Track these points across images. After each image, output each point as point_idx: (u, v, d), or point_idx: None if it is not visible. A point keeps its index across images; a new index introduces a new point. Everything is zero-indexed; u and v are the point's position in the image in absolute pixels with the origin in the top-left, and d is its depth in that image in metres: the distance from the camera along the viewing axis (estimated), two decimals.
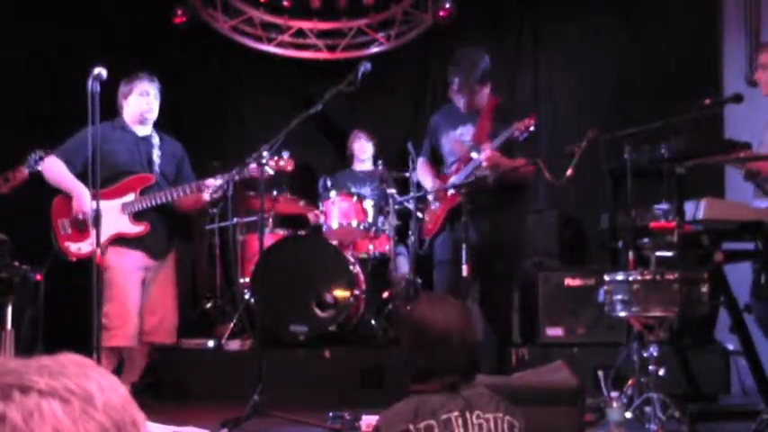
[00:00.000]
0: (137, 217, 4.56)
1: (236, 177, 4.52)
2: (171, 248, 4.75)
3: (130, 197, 4.56)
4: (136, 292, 4.54)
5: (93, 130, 3.82)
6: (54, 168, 4.58)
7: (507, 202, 4.41)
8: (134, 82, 4.69)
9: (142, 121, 4.69)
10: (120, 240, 4.52)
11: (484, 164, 4.25)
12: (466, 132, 4.51)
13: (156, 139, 4.73)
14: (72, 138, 4.58)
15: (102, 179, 4.47)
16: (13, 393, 0.70)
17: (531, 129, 4.21)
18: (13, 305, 4.49)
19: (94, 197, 4.08)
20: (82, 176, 4.47)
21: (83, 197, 4.47)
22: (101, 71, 3.80)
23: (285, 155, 4.47)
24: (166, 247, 4.71)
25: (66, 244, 4.56)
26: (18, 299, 4.57)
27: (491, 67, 4.58)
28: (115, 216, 4.49)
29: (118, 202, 4.53)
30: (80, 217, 4.51)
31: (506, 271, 4.52)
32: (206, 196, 4.57)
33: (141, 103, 4.67)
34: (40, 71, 6.09)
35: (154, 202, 4.54)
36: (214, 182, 4.52)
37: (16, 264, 4.64)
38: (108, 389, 0.74)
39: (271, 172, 4.41)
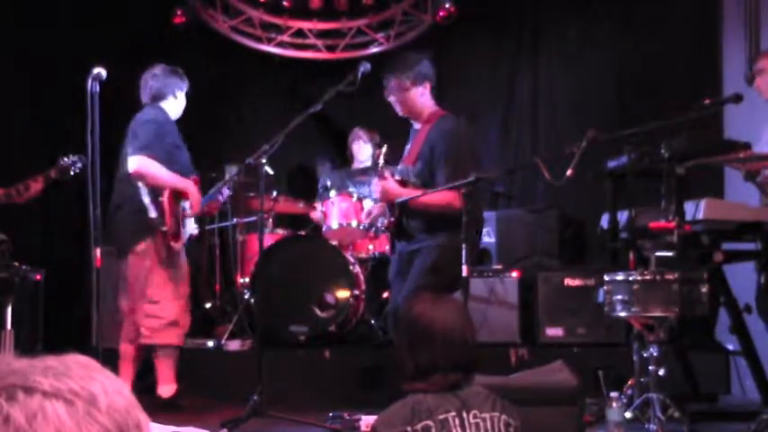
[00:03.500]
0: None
1: (227, 187, 4.61)
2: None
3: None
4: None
5: (93, 129, 3.82)
6: (152, 168, 4.46)
7: (429, 227, 4.13)
8: (183, 81, 4.76)
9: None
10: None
11: (379, 199, 4.24)
12: (408, 149, 4.35)
13: None
14: (145, 132, 4.50)
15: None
16: (17, 394, 0.70)
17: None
18: (13, 305, 4.49)
19: (171, 195, 4.35)
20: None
21: (197, 193, 4.58)
22: (100, 71, 3.80)
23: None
24: None
25: (172, 243, 4.56)
26: (18, 299, 4.57)
27: (484, 70, 4.51)
28: (189, 219, 4.64)
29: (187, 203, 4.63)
30: (194, 214, 4.61)
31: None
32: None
33: (182, 103, 4.76)
34: (40, 71, 6.08)
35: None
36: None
37: (16, 264, 4.64)
38: (112, 391, 0.74)
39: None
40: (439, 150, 4.10)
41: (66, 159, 4.92)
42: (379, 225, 5.59)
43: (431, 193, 4.00)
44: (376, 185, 4.23)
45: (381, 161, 4.27)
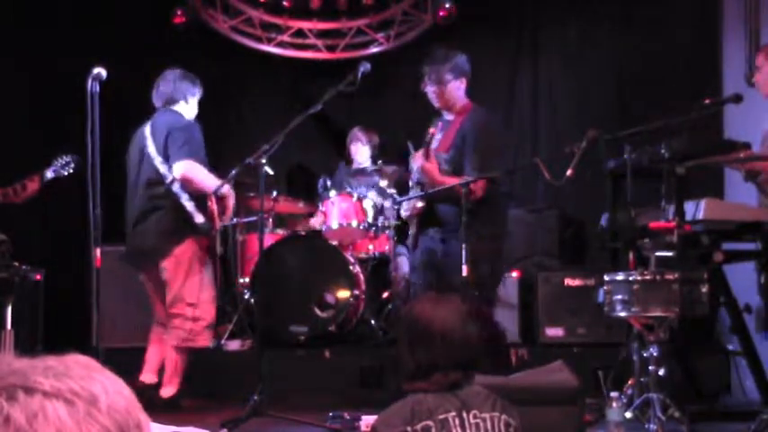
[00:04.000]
0: None
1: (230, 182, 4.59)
2: None
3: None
4: None
5: (93, 129, 3.82)
6: (200, 173, 4.50)
7: (460, 214, 4.16)
8: (196, 86, 4.80)
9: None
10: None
11: (417, 174, 4.34)
12: (435, 138, 4.45)
13: None
14: (184, 139, 4.54)
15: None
16: (18, 394, 0.70)
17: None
18: (13, 305, 4.49)
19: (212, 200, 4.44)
20: None
21: (233, 200, 4.68)
22: (100, 71, 3.80)
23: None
24: None
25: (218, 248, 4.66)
26: (18, 299, 4.57)
27: (485, 70, 4.56)
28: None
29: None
30: (227, 219, 4.72)
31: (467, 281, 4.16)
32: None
33: (195, 111, 4.80)
34: (40, 71, 6.08)
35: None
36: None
37: (16, 264, 4.64)
38: (112, 391, 0.74)
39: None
40: (470, 140, 4.28)
41: (60, 159, 4.92)
42: (379, 225, 5.58)
43: (456, 180, 4.17)
44: (416, 163, 4.31)
45: (432, 142, 4.36)
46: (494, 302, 4.69)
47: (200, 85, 4.81)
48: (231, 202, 4.65)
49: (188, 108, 4.76)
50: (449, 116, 4.48)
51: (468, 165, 4.25)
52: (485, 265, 4.20)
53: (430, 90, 4.43)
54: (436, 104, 4.46)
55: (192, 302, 4.51)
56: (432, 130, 4.40)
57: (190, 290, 4.51)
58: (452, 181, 4.20)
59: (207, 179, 4.50)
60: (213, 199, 4.51)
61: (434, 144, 4.44)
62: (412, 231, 4.59)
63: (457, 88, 4.40)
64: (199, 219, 4.47)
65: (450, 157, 4.35)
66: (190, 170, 4.44)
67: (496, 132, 4.58)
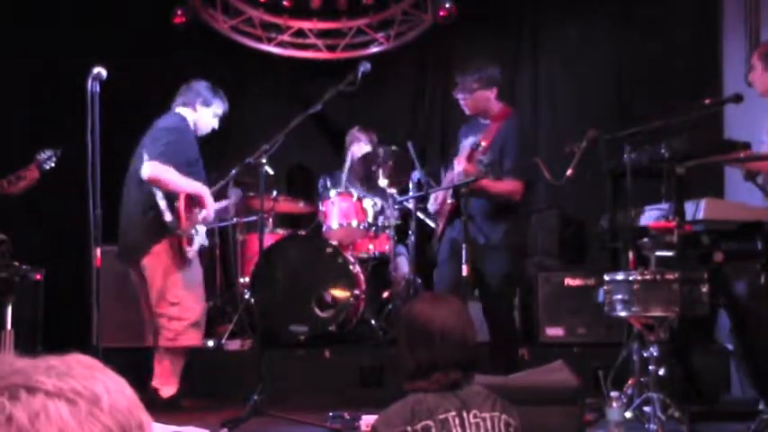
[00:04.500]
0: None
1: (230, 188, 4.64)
2: None
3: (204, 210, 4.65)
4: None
5: (93, 129, 3.82)
6: (167, 174, 4.47)
7: (500, 206, 4.47)
8: (216, 98, 4.78)
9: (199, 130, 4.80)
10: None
11: (461, 176, 4.41)
12: (475, 141, 4.56)
13: None
14: (165, 140, 4.53)
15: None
16: (20, 393, 0.70)
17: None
18: (13, 305, 4.49)
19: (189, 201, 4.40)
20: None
21: (212, 201, 4.62)
22: (100, 71, 3.80)
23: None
24: None
25: (186, 248, 4.57)
26: (18, 299, 4.57)
27: (501, 79, 4.68)
28: (201, 229, 4.70)
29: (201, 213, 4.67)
30: (208, 219, 4.66)
31: (498, 274, 4.47)
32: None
33: (208, 123, 4.80)
34: (40, 71, 6.08)
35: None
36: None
37: (16, 264, 4.64)
38: (115, 391, 0.74)
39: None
40: (509, 148, 4.46)
41: (42, 154, 4.92)
42: (379, 224, 5.58)
43: (500, 184, 4.41)
44: (459, 165, 4.42)
45: (480, 145, 4.47)
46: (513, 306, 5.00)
47: (222, 99, 4.81)
48: (208, 205, 4.58)
49: (195, 116, 4.75)
50: (485, 121, 4.62)
51: (507, 165, 4.44)
52: (513, 268, 4.55)
53: (459, 97, 4.61)
54: (467, 111, 4.64)
55: (174, 302, 4.51)
56: (480, 138, 4.50)
57: (171, 288, 4.51)
58: (491, 185, 4.39)
59: (175, 182, 4.46)
60: (182, 199, 4.49)
61: (465, 146, 4.56)
62: (438, 226, 4.76)
63: (485, 98, 4.57)
64: (167, 217, 4.47)
65: (488, 159, 4.45)
66: (156, 172, 4.44)
67: (527, 136, 4.89)
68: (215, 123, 4.83)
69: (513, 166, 4.42)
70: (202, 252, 4.84)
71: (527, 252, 4.89)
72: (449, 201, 4.59)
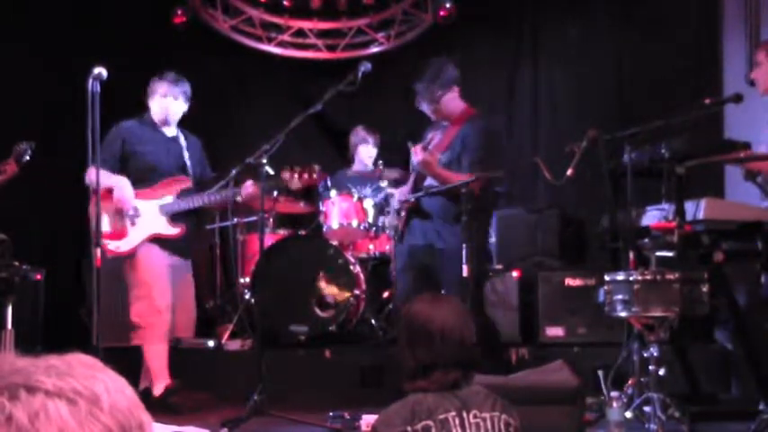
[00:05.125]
0: (173, 219, 4.66)
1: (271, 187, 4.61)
2: (191, 247, 4.88)
3: (168, 199, 4.65)
4: (168, 291, 4.61)
5: (93, 129, 3.82)
6: (93, 175, 4.49)
7: (456, 211, 4.37)
8: (156, 83, 4.78)
9: (165, 123, 4.80)
10: (151, 240, 4.62)
11: (417, 167, 4.41)
12: (435, 139, 4.60)
13: (182, 140, 4.84)
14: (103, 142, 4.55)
15: (135, 179, 4.61)
16: (20, 393, 0.70)
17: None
18: (13, 305, 4.50)
19: (110, 196, 4.32)
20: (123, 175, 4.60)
21: (124, 188, 4.55)
22: (101, 71, 3.80)
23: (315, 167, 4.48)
24: (189, 246, 4.84)
25: (105, 241, 4.54)
26: (18, 299, 4.57)
27: (485, 70, 4.65)
28: (152, 217, 4.61)
29: (155, 204, 4.63)
30: (125, 209, 4.56)
31: (458, 282, 4.34)
32: (239, 199, 4.67)
33: (161, 106, 4.76)
34: (41, 71, 6.08)
35: (192, 205, 4.64)
36: (250, 187, 4.58)
37: (16, 264, 4.64)
38: (115, 390, 0.74)
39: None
40: (470, 142, 4.44)
41: (18, 147, 4.91)
42: (379, 224, 5.58)
43: (458, 176, 4.35)
44: (416, 156, 4.40)
45: (431, 142, 4.49)
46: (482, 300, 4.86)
47: (167, 80, 4.76)
48: (116, 194, 4.53)
49: (153, 111, 4.80)
50: (445, 123, 4.61)
51: (465, 161, 4.40)
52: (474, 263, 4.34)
53: (425, 108, 4.57)
54: (433, 118, 4.61)
55: (130, 302, 4.56)
56: (431, 135, 4.53)
57: (129, 288, 4.58)
58: (451, 175, 4.35)
59: (91, 180, 4.40)
60: (93, 199, 4.42)
61: (429, 142, 4.58)
62: (398, 223, 4.74)
63: (450, 99, 4.53)
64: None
65: (446, 157, 4.46)
66: (88, 176, 4.47)
67: (495, 137, 4.72)
68: (166, 107, 4.76)
69: (471, 163, 4.40)
70: (190, 241, 4.84)
71: (485, 253, 4.77)
72: (411, 199, 4.60)
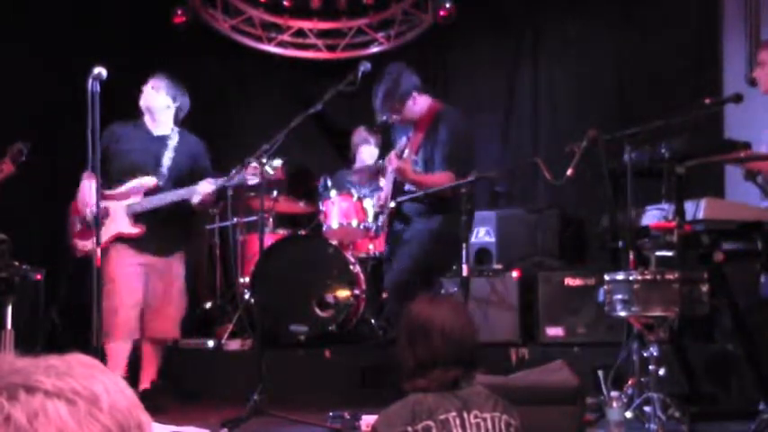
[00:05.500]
0: (137, 218, 4.66)
1: (233, 182, 4.58)
2: (178, 246, 4.82)
3: (136, 199, 4.67)
4: (131, 290, 4.56)
5: (93, 129, 3.82)
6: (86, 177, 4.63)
7: (431, 208, 4.51)
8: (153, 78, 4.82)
9: (152, 119, 4.80)
10: (119, 239, 4.63)
11: (393, 175, 4.50)
12: (403, 143, 4.63)
13: (173, 139, 4.81)
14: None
15: (116, 179, 4.65)
16: (19, 393, 0.70)
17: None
18: (13, 305, 4.49)
19: (103, 197, 4.26)
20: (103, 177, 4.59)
21: (82, 190, 4.60)
22: (101, 71, 3.80)
23: (277, 162, 4.42)
24: (171, 245, 4.76)
25: (75, 240, 4.70)
26: (18, 299, 4.57)
27: (484, 70, 4.67)
28: (119, 217, 4.65)
29: (123, 204, 4.66)
30: (85, 211, 4.58)
31: (408, 268, 4.54)
32: (195, 200, 4.63)
33: (143, 97, 4.80)
34: (41, 71, 6.08)
35: (152, 205, 4.65)
36: (207, 187, 4.58)
37: (16, 264, 4.64)
38: (114, 391, 0.74)
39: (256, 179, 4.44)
40: (440, 139, 4.46)
41: (15, 146, 4.91)
42: (379, 224, 5.59)
43: (432, 177, 4.45)
44: (391, 164, 4.47)
45: (405, 151, 4.53)
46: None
47: (151, 78, 4.80)
48: (79, 195, 4.63)
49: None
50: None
51: (437, 158, 4.45)
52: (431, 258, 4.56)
53: (392, 120, 4.61)
54: (402, 124, 4.65)
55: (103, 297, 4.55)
56: (402, 139, 4.58)
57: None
58: (425, 178, 4.45)
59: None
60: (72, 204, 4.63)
61: (400, 143, 4.63)
62: (382, 224, 4.89)
63: (413, 104, 4.57)
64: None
65: (419, 157, 4.53)
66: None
67: (463, 130, 4.70)
68: (148, 95, 4.78)
69: (443, 159, 4.44)
70: (188, 241, 4.86)
71: (457, 246, 4.75)
72: (390, 205, 4.70)
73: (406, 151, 4.50)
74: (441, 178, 4.42)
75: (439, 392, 2.10)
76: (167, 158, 4.76)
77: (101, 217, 4.51)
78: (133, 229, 4.64)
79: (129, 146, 4.72)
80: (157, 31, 6.55)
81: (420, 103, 4.59)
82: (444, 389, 2.11)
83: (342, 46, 6.79)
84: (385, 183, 4.73)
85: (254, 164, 4.34)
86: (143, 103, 4.79)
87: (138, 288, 4.59)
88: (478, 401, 2.09)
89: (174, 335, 4.86)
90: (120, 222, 4.64)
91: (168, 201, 4.64)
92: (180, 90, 4.84)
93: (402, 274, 4.56)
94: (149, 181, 4.69)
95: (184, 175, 4.77)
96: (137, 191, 4.68)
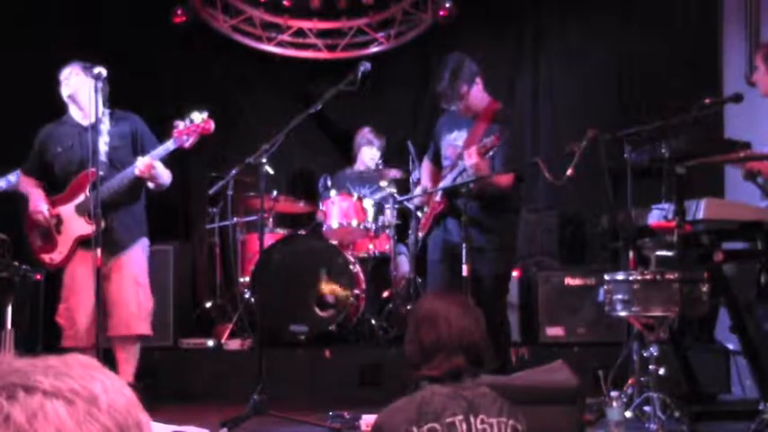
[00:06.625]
0: (91, 215, 4.25)
1: (170, 149, 4.31)
2: (131, 240, 4.47)
3: (81, 197, 4.39)
4: (85, 293, 4.31)
5: (95, 126, 3.82)
6: (21, 186, 4.58)
7: (493, 207, 4.37)
8: (63, 75, 4.55)
9: (78, 107, 4.49)
10: (81, 243, 4.40)
11: (470, 170, 4.21)
12: (460, 137, 4.46)
13: (104, 125, 4.43)
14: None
15: (59, 184, 4.44)
16: (18, 393, 0.70)
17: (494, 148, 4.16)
18: (13, 305, 4.49)
19: (51, 204, 4.25)
20: (52, 184, 4.48)
21: (32, 196, 4.45)
22: (101, 71, 3.81)
23: (203, 113, 4.23)
24: (123, 239, 4.43)
25: (42, 256, 4.48)
26: (18, 299, 4.57)
27: (485, 70, 4.57)
28: (73, 220, 4.41)
29: (72, 205, 4.42)
30: (38, 218, 4.40)
31: (493, 275, 4.36)
32: (136, 172, 4.28)
33: (65, 84, 4.53)
34: (41, 71, 6.08)
35: (101, 196, 4.17)
36: (144, 160, 4.26)
37: (16, 264, 4.64)
38: (113, 390, 0.74)
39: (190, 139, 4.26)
40: (503, 138, 4.27)
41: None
42: (379, 224, 5.58)
43: (501, 178, 4.31)
44: (470, 160, 4.18)
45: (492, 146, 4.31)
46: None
47: (72, 73, 4.49)
48: (30, 206, 4.47)
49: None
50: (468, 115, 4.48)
51: (498, 161, 4.29)
52: (506, 269, 4.48)
53: (453, 108, 4.43)
54: (463, 114, 4.45)
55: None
56: (490, 138, 4.25)
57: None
58: (499, 180, 4.29)
59: (23, 191, 4.56)
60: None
61: (460, 142, 4.44)
62: (422, 219, 4.63)
63: (478, 91, 4.44)
64: None
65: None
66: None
67: (517, 128, 4.74)
68: (70, 80, 4.49)
69: (506, 160, 4.32)
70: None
71: (517, 250, 4.70)
72: (437, 198, 4.46)
73: (491, 151, 4.28)
74: (507, 180, 4.32)
75: (445, 390, 2.08)
76: (103, 144, 4.39)
77: (56, 224, 4.43)
78: (90, 228, 4.21)
79: (63, 145, 4.45)
80: (157, 31, 6.55)
81: (482, 94, 4.48)
82: (448, 378, 2.10)
83: (342, 46, 6.78)
84: (448, 176, 4.45)
85: (181, 123, 4.18)
86: (65, 93, 4.49)
87: (91, 292, 4.18)
88: (485, 405, 2.08)
89: (137, 330, 4.40)
90: (75, 225, 4.39)
91: (114, 188, 4.30)
92: (92, 68, 4.26)
93: (499, 267, 4.40)
94: (91, 173, 4.23)
95: (127, 157, 4.41)
96: (79, 188, 4.39)
